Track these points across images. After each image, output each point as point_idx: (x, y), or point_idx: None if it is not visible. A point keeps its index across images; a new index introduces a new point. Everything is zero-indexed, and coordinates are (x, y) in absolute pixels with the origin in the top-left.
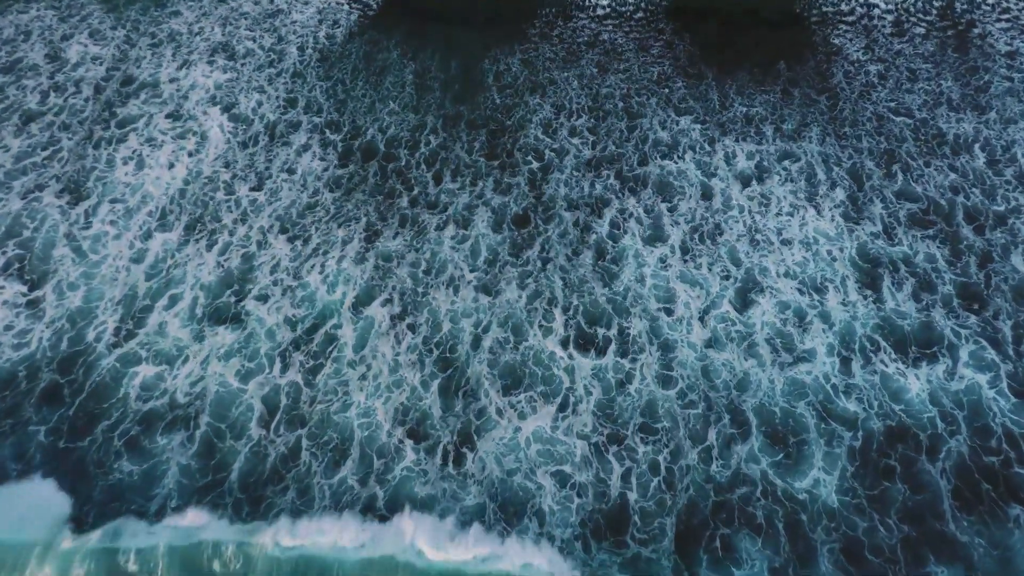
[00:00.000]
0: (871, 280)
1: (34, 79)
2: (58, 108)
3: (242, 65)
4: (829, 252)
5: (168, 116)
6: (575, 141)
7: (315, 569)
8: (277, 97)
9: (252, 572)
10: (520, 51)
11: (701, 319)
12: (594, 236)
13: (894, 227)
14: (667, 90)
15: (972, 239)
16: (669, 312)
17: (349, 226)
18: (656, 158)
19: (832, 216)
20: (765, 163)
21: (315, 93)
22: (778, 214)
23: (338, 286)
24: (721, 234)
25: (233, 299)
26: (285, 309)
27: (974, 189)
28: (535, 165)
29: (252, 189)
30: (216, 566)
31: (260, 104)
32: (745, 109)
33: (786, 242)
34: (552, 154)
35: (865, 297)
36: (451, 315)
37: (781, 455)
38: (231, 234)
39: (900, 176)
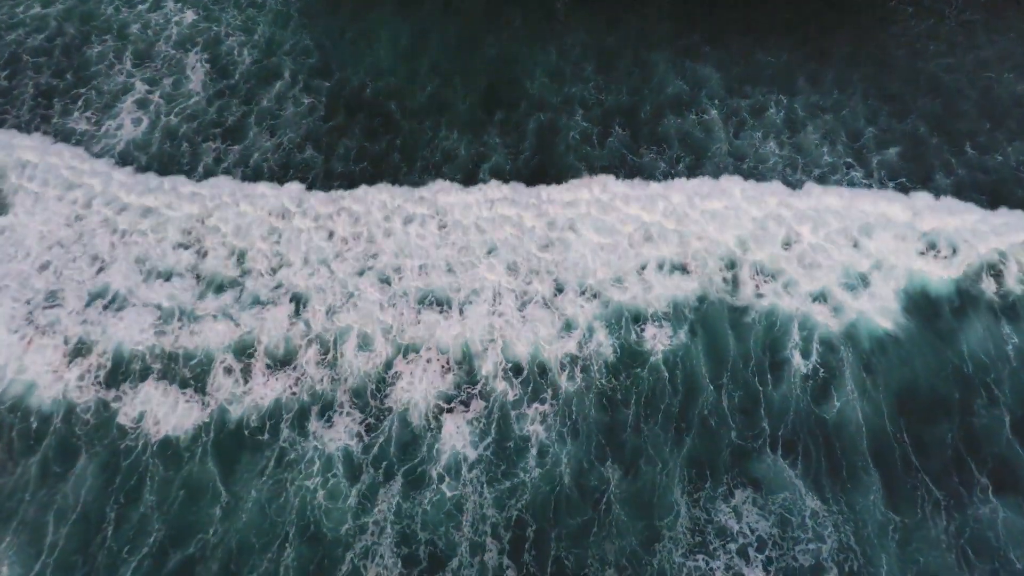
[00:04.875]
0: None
1: None
2: (14, 46)
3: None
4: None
5: (137, 57)
6: (583, 92)
7: None
8: (260, 37)
9: None
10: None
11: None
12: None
13: (961, 202)
14: (684, 40)
15: None
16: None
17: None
18: (669, 112)
19: (888, 188)
20: (799, 122)
21: (300, 38)
22: (820, 180)
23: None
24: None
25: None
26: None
27: None
28: (542, 117)
29: (227, 143)
30: None
31: (240, 46)
32: (774, 60)
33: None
34: (559, 104)
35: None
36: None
37: None
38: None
39: (967, 143)
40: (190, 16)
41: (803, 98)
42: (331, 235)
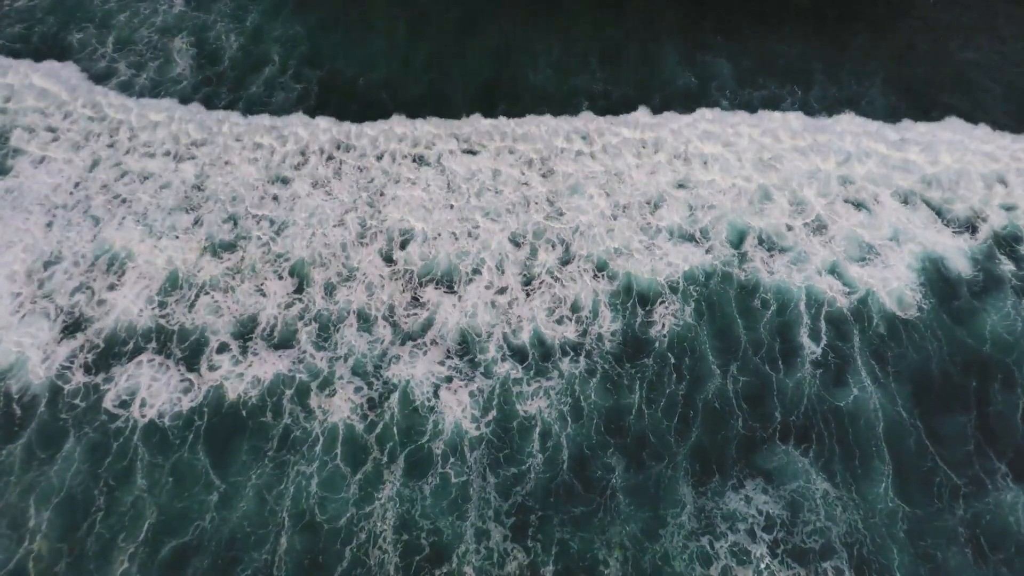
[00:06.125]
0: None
1: None
2: None
3: None
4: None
5: (120, 42)
6: (589, 85)
7: None
8: (250, 24)
9: None
10: None
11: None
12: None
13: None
14: (693, 30)
15: None
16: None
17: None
18: (679, 104)
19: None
20: (817, 114)
21: (291, 25)
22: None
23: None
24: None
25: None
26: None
27: None
28: (546, 110)
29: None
30: None
31: (228, 32)
32: (789, 50)
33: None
34: (563, 97)
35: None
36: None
37: None
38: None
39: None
40: (179, 5)
41: (819, 90)
42: (331, 196)
